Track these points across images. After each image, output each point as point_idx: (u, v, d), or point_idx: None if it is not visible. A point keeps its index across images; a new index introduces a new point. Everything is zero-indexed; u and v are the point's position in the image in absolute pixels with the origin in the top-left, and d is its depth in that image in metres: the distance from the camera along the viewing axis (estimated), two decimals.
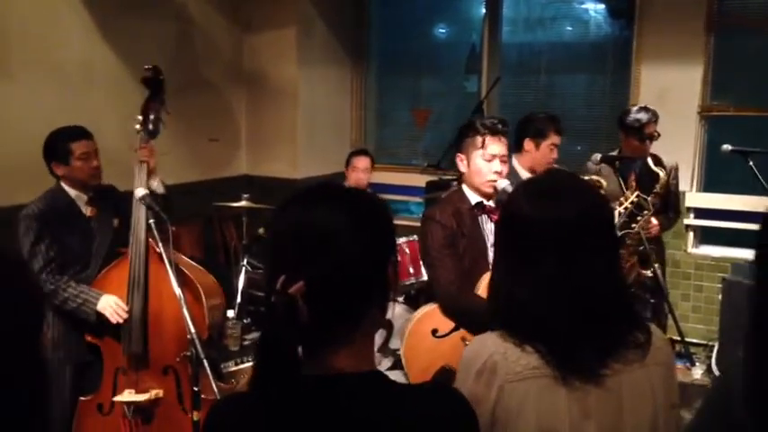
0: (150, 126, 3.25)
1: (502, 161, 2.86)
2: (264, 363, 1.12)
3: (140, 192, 3.08)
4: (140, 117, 3.26)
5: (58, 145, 3.29)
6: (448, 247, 2.79)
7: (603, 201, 1.56)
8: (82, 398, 3.27)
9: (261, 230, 4.59)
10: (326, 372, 1.16)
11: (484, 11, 6.07)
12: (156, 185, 3.29)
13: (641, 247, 3.88)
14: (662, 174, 4.03)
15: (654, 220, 4.04)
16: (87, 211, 3.38)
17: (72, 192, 3.34)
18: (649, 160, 4.10)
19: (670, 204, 4.34)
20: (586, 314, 1.37)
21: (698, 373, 4.59)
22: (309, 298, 1.11)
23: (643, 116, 4.09)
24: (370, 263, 1.17)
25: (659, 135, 4.11)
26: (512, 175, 4.10)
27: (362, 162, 5.24)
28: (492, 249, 2.86)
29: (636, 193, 3.70)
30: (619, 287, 1.46)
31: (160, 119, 3.28)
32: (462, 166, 2.91)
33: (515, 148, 3.87)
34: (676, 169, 4.32)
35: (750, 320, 1.19)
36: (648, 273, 3.97)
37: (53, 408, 3.26)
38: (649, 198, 3.92)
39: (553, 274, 1.37)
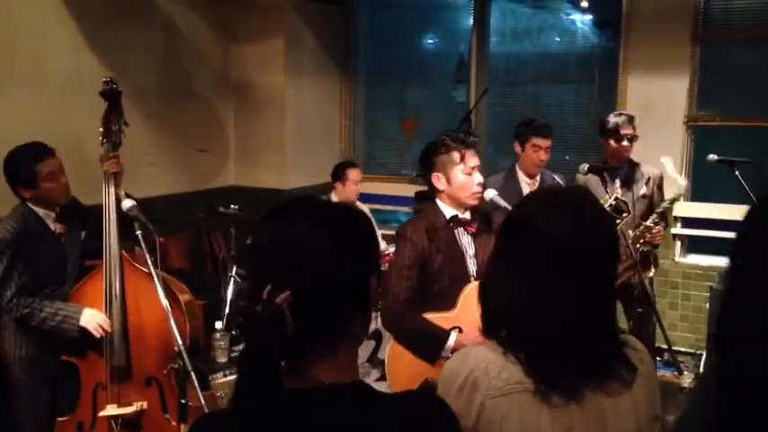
0: (114, 138, 3.19)
1: (479, 171, 2.88)
2: (248, 375, 1.12)
3: (127, 203, 3.05)
4: (101, 129, 3.18)
5: (22, 169, 3.16)
6: (411, 267, 2.79)
7: (617, 229, 1.56)
8: (60, 418, 3.20)
9: (249, 241, 4.57)
10: (309, 384, 1.16)
11: (472, 22, 6.10)
12: (122, 195, 3.18)
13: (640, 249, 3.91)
14: (681, 182, 4.13)
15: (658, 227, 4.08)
16: (56, 228, 3.31)
17: (40, 211, 3.26)
18: (650, 170, 4.18)
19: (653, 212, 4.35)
20: (577, 336, 1.36)
21: (686, 381, 4.59)
22: (294, 311, 1.12)
23: (619, 119, 4.23)
24: (352, 276, 1.19)
25: (637, 137, 4.20)
26: None
27: (357, 174, 5.29)
28: (471, 261, 2.87)
29: (614, 196, 3.72)
30: (611, 314, 1.47)
31: (121, 130, 3.21)
32: (441, 185, 2.87)
33: None
34: (661, 179, 4.35)
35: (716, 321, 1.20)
36: (636, 278, 3.96)
37: (29, 429, 3.18)
38: (663, 204, 4.00)
39: (558, 293, 1.36)
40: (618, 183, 4.19)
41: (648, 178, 4.24)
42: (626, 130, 4.18)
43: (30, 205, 3.24)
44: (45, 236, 3.26)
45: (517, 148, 4.34)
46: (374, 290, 1.24)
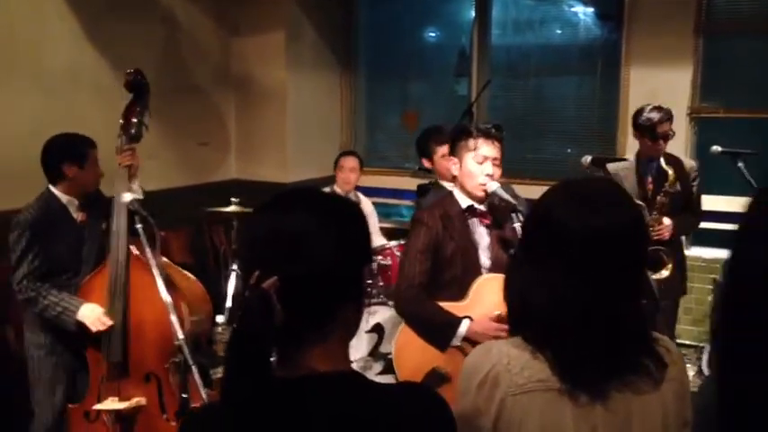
0: (132, 130, 3.18)
1: (494, 164, 2.85)
2: (236, 362, 1.11)
3: (127, 197, 3.03)
4: (122, 121, 3.18)
5: (78, 147, 3.28)
6: (426, 252, 2.81)
7: (643, 217, 1.52)
8: (71, 405, 3.25)
9: (245, 230, 4.55)
10: (301, 372, 1.16)
11: (473, 14, 6.07)
12: (135, 189, 3.20)
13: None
14: (671, 172, 3.94)
15: (667, 221, 3.95)
16: (78, 216, 3.35)
17: (64, 197, 3.30)
18: (662, 160, 3.99)
19: (689, 206, 4.18)
20: (600, 330, 1.33)
21: (689, 374, 4.59)
22: (282, 297, 1.12)
23: (655, 115, 3.99)
24: (342, 265, 1.19)
25: (674, 134, 4.04)
26: None
27: (349, 162, 5.24)
28: (484, 253, 2.87)
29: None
30: (638, 309, 1.42)
31: (143, 123, 3.21)
32: (455, 169, 2.92)
33: None
34: (696, 170, 4.21)
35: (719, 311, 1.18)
36: (655, 276, 3.84)
37: (47, 413, 3.30)
38: (658, 197, 3.90)
39: (579, 286, 1.33)
40: (650, 179, 4.06)
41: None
42: (663, 128, 3.96)
43: (54, 192, 3.29)
44: (65, 222, 3.30)
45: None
46: (366, 280, 1.24)
